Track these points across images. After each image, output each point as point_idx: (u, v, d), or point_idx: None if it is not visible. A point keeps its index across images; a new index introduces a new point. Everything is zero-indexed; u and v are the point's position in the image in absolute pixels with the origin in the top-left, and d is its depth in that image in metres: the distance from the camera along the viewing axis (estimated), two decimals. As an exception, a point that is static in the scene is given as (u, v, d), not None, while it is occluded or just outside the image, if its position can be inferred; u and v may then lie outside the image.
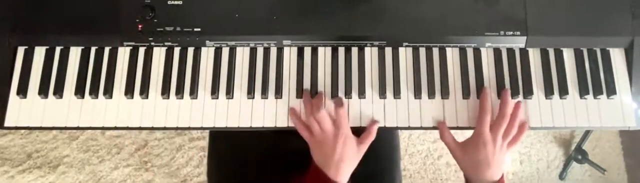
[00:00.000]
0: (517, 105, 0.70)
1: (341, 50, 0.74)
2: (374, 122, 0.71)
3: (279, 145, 0.85)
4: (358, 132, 0.70)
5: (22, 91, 0.70)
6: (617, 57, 0.74)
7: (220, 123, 0.71)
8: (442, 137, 0.71)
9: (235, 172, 0.84)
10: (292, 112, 0.71)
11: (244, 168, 0.84)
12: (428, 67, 0.73)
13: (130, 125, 0.70)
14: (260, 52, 0.73)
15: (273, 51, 0.73)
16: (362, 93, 0.71)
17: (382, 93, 0.72)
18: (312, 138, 0.68)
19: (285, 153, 0.84)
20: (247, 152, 0.85)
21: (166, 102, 0.71)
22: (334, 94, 0.72)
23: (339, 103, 0.69)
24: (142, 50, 0.73)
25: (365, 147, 0.69)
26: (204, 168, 1.46)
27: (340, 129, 0.66)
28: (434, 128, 0.72)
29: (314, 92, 0.72)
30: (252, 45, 0.73)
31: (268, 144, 0.85)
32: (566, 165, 1.59)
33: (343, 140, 0.66)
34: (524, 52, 0.74)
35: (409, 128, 0.72)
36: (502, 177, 0.68)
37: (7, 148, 1.41)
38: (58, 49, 0.72)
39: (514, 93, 0.72)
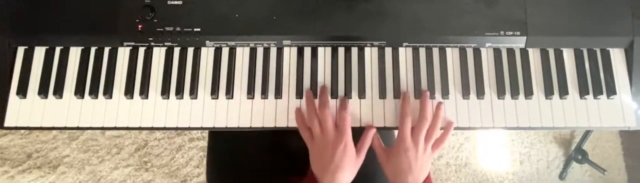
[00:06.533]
0: (438, 106, 0.70)
1: (341, 50, 0.74)
2: (369, 128, 0.69)
3: (280, 145, 0.85)
4: (358, 132, 0.69)
5: (22, 91, 0.70)
6: (617, 57, 0.74)
7: (220, 124, 0.71)
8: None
9: (235, 173, 0.84)
10: (297, 111, 0.70)
11: (244, 168, 0.84)
12: (428, 67, 0.73)
13: (130, 125, 0.70)
14: (260, 52, 0.73)
15: (273, 51, 0.73)
16: (362, 94, 0.71)
17: (382, 94, 0.72)
18: (311, 142, 0.67)
19: (287, 154, 0.84)
20: (248, 153, 0.85)
21: (166, 102, 0.71)
22: (334, 94, 0.72)
23: (343, 106, 0.68)
24: (142, 50, 0.73)
25: (363, 156, 0.67)
26: (204, 168, 1.45)
27: (342, 135, 0.65)
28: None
29: (315, 92, 0.71)
30: (252, 45, 0.73)
31: (269, 145, 0.85)
32: (566, 165, 1.59)
33: (343, 148, 0.64)
34: (524, 52, 0.74)
35: (408, 128, 0.71)
36: (428, 178, 0.67)
37: (7, 148, 1.41)
38: (58, 49, 0.72)
39: (514, 94, 0.72)
